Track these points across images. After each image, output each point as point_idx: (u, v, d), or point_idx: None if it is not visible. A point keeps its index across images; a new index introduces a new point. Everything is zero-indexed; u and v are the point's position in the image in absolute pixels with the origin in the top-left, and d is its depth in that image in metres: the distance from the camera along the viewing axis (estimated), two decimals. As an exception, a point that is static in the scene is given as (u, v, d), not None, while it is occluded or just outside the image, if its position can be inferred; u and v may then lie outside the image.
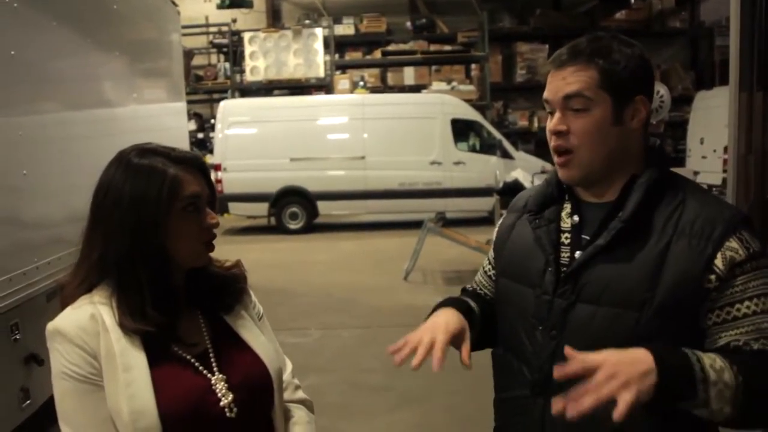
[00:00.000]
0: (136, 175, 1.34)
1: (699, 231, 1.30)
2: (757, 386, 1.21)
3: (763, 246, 1.33)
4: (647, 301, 1.29)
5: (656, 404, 1.17)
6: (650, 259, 1.30)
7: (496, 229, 1.62)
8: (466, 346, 1.39)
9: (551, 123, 1.37)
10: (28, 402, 3.33)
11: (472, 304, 1.54)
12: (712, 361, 1.21)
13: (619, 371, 1.14)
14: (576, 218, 1.43)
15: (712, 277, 1.27)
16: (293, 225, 11.96)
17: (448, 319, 1.42)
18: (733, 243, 1.29)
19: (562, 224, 1.45)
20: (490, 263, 1.64)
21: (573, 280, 1.36)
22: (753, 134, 2.22)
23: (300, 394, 1.61)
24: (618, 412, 1.11)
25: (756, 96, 2.28)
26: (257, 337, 1.49)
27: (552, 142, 1.39)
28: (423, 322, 1.46)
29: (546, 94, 1.39)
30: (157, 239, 1.33)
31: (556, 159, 1.40)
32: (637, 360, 1.17)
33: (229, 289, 1.50)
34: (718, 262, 1.28)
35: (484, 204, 11.17)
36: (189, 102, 11.10)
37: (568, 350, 1.19)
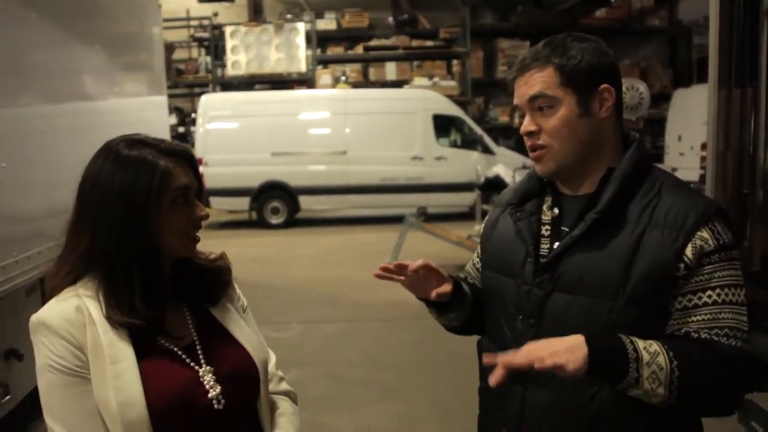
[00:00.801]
0: (126, 167, 1.33)
1: (672, 221, 1.33)
2: (692, 373, 1.27)
3: (737, 239, 1.37)
4: (620, 289, 1.33)
5: (593, 378, 1.28)
6: (624, 248, 1.34)
7: (484, 223, 1.67)
8: (443, 287, 1.50)
9: (522, 125, 1.44)
10: (8, 397, 3.30)
11: (462, 283, 1.60)
12: (647, 345, 1.28)
13: (548, 345, 1.26)
14: (556, 211, 1.47)
15: (681, 265, 1.31)
16: (275, 219, 11.93)
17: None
18: (704, 233, 1.32)
19: (543, 217, 1.49)
20: (478, 256, 1.69)
21: (550, 271, 1.41)
22: (731, 131, 2.27)
23: (284, 386, 1.62)
24: (540, 365, 1.24)
25: (734, 93, 2.32)
26: (243, 329, 1.49)
27: (527, 143, 1.45)
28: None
29: (515, 100, 1.45)
30: (147, 231, 1.32)
31: (531, 155, 1.45)
32: (568, 339, 1.27)
33: (214, 281, 1.50)
34: (688, 251, 1.31)
35: (466, 199, 11.22)
36: (170, 96, 11.00)
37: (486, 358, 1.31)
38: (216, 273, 1.51)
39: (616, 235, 1.35)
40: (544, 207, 1.50)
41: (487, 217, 1.67)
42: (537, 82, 1.39)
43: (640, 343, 1.28)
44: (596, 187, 1.41)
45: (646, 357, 1.26)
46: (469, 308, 1.59)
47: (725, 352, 1.30)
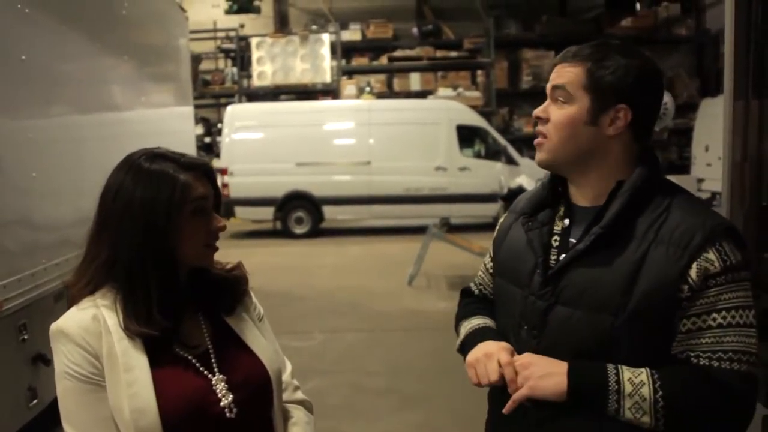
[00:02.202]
0: (148, 181, 1.36)
1: (678, 240, 1.31)
2: (680, 402, 1.27)
3: (752, 257, 1.36)
4: (622, 306, 1.32)
5: (574, 406, 1.31)
6: (628, 264, 1.33)
7: (497, 227, 1.67)
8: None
9: (537, 108, 1.46)
10: (35, 401, 3.38)
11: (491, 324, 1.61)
12: (633, 375, 1.29)
13: (529, 371, 1.34)
14: (567, 222, 1.47)
15: (685, 287, 1.29)
16: (299, 229, 12.00)
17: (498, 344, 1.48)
18: (710, 254, 1.30)
19: (555, 227, 1.48)
20: (491, 259, 1.68)
21: (554, 283, 1.41)
22: (748, 142, 2.25)
23: (299, 395, 1.62)
24: (506, 407, 1.36)
25: (752, 104, 2.31)
26: (257, 338, 1.51)
27: (536, 127, 1.47)
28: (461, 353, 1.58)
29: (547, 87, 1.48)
30: (167, 243, 1.35)
31: (535, 140, 1.48)
32: (550, 366, 1.34)
33: (230, 290, 1.52)
34: (693, 272, 1.29)
35: (489, 210, 11.19)
36: (196, 106, 11.17)
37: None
38: (232, 283, 1.53)
39: (620, 251, 1.34)
40: (557, 217, 1.49)
41: (501, 222, 1.67)
42: (565, 74, 1.41)
43: (627, 374, 1.29)
44: (606, 200, 1.40)
45: (628, 388, 1.28)
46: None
47: (723, 379, 1.27)
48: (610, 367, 1.30)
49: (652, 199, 1.38)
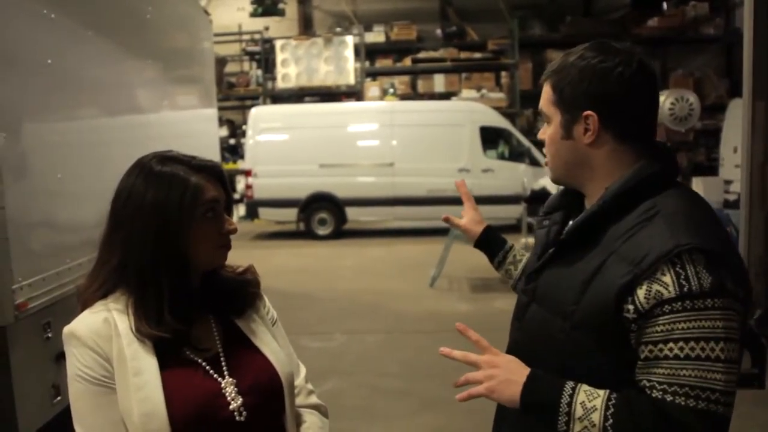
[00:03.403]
0: (159, 183, 1.37)
1: (632, 254, 1.22)
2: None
3: (745, 280, 1.23)
4: (570, 314, 1.30)
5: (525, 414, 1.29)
6: (584, 272, 1.29)
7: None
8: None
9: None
10: (59, 398, 3.44)
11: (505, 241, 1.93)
12: (587, 398, 1.22)
13: (492, 370, 1.32)
14: (571, 223, 1.47)
15: (630, 307, 1.21)
16: (322, 231, 12.05)
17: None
18: (665, 277, 1.18)
19: (570, 225, 1.49)
20: None
21: (534, 281, 1.45)
22: (769, 143, 2.23)
23: (313, 399, 1.61)
24: (461, 395, 1.33)
25: (773, 105, 2.29)
26: (269, 342, 1.50)
27: None
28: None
29: None
30: (178, 245, 1.36)
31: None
32: (516, 370, 1.31)
33: (241, 293, 1.51)
34: (641, 293, 1.20)
35: (513, 212, 11.12)
36: (221, 108, 11.29)
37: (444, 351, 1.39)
38: (243, 285, 1.53)
39: (583, 257, 1.32)
40: (571, 220, 1.48)
41: None
42: (542, 96, 1.43)
43: (582, 395, 1.23)
44: None
45: (579, 412, 1.22)
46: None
47: (677, 415, 1.17)
48: (568, 386, 1.25)
49: (633, 208, 1.29)
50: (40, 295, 3.25)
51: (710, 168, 12.14)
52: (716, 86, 14.38)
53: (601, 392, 1.23)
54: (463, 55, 14.56)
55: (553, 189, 8.23)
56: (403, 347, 5.95)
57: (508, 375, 1.30)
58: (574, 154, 1.39)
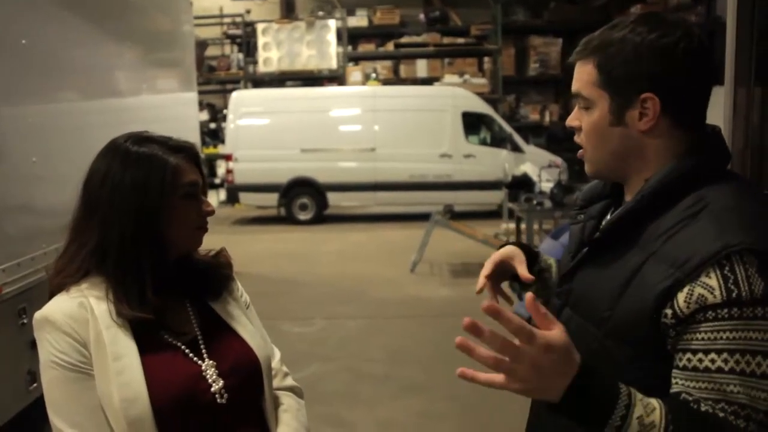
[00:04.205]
0: (137, 163, 1.35)
1: (675, 255, 1.10)
2: None
3: None
4: (605, 320, 1.18)
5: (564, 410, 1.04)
6: (621, 275, 1.17)
7: None
8: (520, 267, 1.45)
9: (569, 117, 1.32)
10: (35, 385, 3.40)
11: (552, 263, 1.58)
12: (645, 413, 1.04)
13: (539, 359, 0.99)
14: (609, 217, 1.35)
15: (669, 312, 1.08)
16: (303, 216, 12.00)
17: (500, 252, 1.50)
18: (711, 279, 1.05)
19: (605, 222, 1.35)
20: None
21: (569, 283, 1.33)
22: (750, 130, 2.24)
23: (289, 381, 1.62)
24: (469, 372, 1.00)
25: (754, 91, 2.29)
26: (245, 324, 1.50)
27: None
28: None
29: None
30: (158, 225, 1.35)
31: (578, 154, 1.33)
32: (565, 363, 1.02)
33: (215, 275, 1.51)
34: (681, 297, 1.07)
35: (494, 197, 11.18)
36: (202, 92, 11.17)
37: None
38: (217, 267, 1.53)
39: (619, 258, 1.19)
40: (609, 213, 1.36)
41: None
42: (578, 78, 1.26)
43: (638, 409, 1.04)
44: None
45: (635, 428, 1.03)
46: (551, 283, 1.52)
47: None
48: (623, 394, 1.04)
49: (676, 203, 1.16)
50: (14, 280, 3.20)
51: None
52: (697, 73, 14.47)
53: (654, 404, 1.05)
54: (446, 40, 14.51)
55: (534, 175, 8.26)
56: (385, 332, 5.96)
57: (557, 369, 1.01)
58: (625, 142, 1.22)
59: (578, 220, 1.39)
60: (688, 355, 1.07)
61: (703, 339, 1.06)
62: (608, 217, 1.34)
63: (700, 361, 1.06)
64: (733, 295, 1.04)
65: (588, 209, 1.39)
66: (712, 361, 1.05)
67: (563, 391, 1.01)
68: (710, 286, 1.05)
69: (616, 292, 1.16)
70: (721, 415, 1.04)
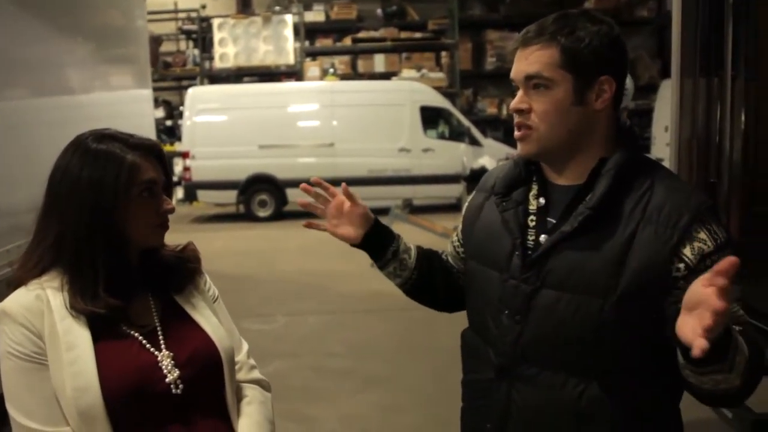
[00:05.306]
0: (94, 160, 1.36)
1: (665, 219, 1.28)
2: (755, 360, 1.21)
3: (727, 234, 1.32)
4: (611, 288, 1.28)
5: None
6: (616, 245, 1.29)
7: (465, 207, 1.62)
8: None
9: (513, 101, 1.37)
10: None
11: (401, 240, 1.67)
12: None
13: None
14: (542, 200, 1.42)
15: (681, 266, 1.26)
16: (262, 212, 11.93)
17: None
18: (701, 234, 1.27)
19: (529, 206, 1.43)
20: (459, 241, 1.65)
21: (538, 266, 1.35)
22: (696, 120, 2.30)
23: (255, 374, 1.62)
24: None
25: (699, 82, 2.36)
26: (208, 316, 1.51)
27: (515, 119, 1.38)
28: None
29: (511, 74, 1.38)
30: (114, 222, 1.36)
31: (516, 134, 1.38)
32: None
33: (180, 269, 1.52)
34: (687, 251, 1.26)
35: (453, 191, 11.25)
36: (157, 89, 10.99)
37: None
38: (183, 262, 1.53)
39: (607, 231, 1.30)
40: (530, 195, 1.43)
41: (469, 202, 1.61)
42: (537, 60, 1.32)
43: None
44: (586, 178, 1.35)
45: (741, 344, 1.17)
46: (411, 269, 1.64)
47: (760, 342, 1.24)
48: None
49: (636, 177, 1.33)
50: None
51: (643, 147, 12.50)
52: (649, 67, 14.79)
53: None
54: (404, 35, 14.54)
55: (491, 167, 8.37)
56: (347, 327, 5.97)
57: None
58: (583, 121, 1.35)
59: (506, 207, 1.44)
60: None
61: None
62: (536, 199, 1.43)
63: None
64: (717, 242, 1.27)
65: (510, 196, 1.45)
66: None
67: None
68: (702, 239, 1.27)
69: (615, 260, 1.28)
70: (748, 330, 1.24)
